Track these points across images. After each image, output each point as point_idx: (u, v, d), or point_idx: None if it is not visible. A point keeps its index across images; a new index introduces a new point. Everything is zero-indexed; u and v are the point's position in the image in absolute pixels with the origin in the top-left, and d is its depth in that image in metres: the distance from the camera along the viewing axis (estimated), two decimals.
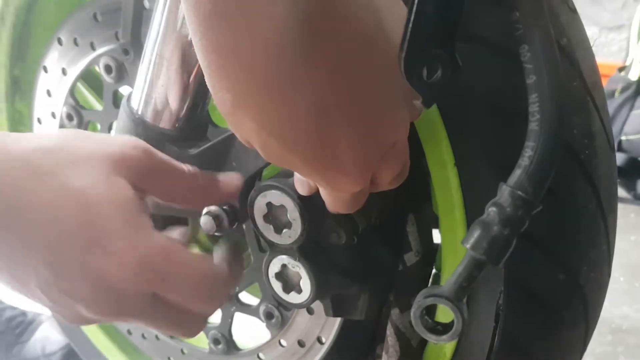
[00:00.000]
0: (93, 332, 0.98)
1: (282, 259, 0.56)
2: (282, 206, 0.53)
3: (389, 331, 0.62)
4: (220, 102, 0.37)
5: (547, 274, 0.52)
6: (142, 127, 0.56)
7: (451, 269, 0.57)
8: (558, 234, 0.51)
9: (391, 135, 0.40)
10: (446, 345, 0.60)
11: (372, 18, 0.36)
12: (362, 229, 0.57)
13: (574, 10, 0.52)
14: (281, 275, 0.56)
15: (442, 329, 0.40)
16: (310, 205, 0.52)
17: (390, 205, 0.60)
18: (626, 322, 1.44)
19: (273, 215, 0.54)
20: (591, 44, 0.54)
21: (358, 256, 0.57)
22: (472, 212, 0.53)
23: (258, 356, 0.74)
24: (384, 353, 0.63)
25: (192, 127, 0.57)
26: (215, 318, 0.78)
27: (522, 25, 0.36)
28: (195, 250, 0.62)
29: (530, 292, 0.53)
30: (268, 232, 0.55)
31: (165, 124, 0.56)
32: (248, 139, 0.39)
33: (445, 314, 0.44)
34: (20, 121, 0.94)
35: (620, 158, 2.01)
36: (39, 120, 0.87)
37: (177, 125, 0.56)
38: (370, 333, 0.66)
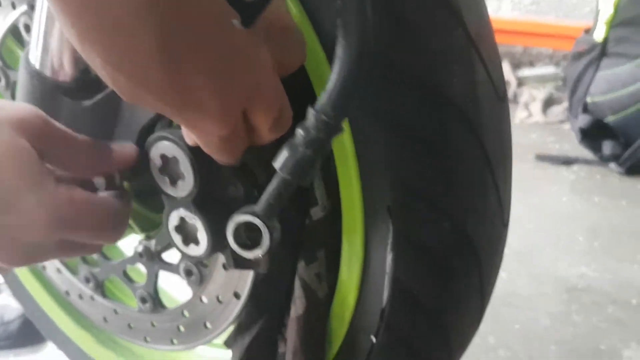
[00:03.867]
0: (42, 298, 0.99)
1: (180, 211, 0.56)
2: (175, 158, 0.53)
3: (296, 284, 0.63)
4: (70, 39, 0.37)
5: (432, 224, 0.52)
6: (37, 79, 0.55)
7: (350, 219, 0.58)
8: (440, 183, 0.51)
9: (247, 75, 0.40)
10: (349, 296, 0.61)
11: None
12: (262, 181, 0.57)
13: None
14: (180, 228, 0.57)
15: (253, 245, 0.41)
16: (202, 156, 0.52)
17: None
18: (582, 281, 1.45)
19: (169, 167, 0.54)
20: None
21: None
22: (364, 161, 0.54)
23: (182, 313, 0.75)
24: (292, 305, 0.64)
25: (90, 78, 0.56)
26: (142, 278, 0.79)
27: None
28: None
29: (417, 241, 0.53)
30: (165, 184, 0.55)
31: (60, 75, 0.55)
32: (101, 76, 0.39)
33: None
34: None
35: (585, 120, 2.01)
36: None
37: (73, 76, 0.56)
38: (284, 287, 0.67)
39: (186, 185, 0.54)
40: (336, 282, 0.63)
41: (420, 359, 0.62)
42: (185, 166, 0.53)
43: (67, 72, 0.56)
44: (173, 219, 0.57)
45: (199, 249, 0.57)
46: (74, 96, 0.56)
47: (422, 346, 0.61)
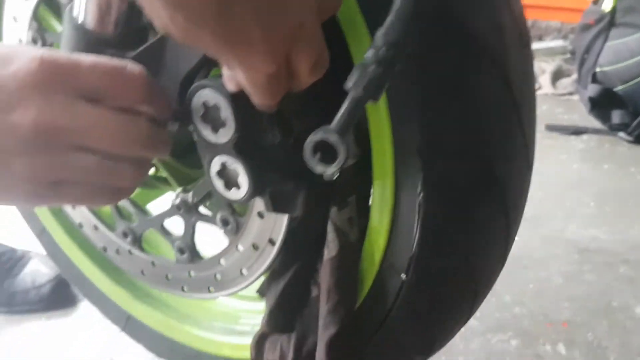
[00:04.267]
0: (77, 256, 1.03)
1: (222, 157, 0.59)
2: (216, 105, 0.56)
3: (329, 228, 0.67)
4: None
5: (461, 165, 0.56)
6: (82, 33, 0.58)
7: (380, 164, 0.62)
8: (469, 124, 0.54)
9: (294, 13, 0.43)
10: (380, 239, 0.64)
11: None
12: (298, 130, 0.61)
13: None
14: (222, 173, 0.60)
15: (330, 160, 0.44)
16: (242, 103, 0.55)
17: (329, 111, 0.63)
18: (593, 243, 1.49)
19: (210, 115, 0.58)
20: None
21: (294, 155, 0.61)
22: (395, 105, 0.57)
23: (219, 262, 0.79)
24: (325, 248, 0.67)
25: (132, 30, 0.59)
26: (179, 230, 0.83)
27: None
28: None
29: (447, 182, 0.57)
30: (207, 132, 0.58)
31: (103, 28, 0.58)
32: (157, 20, 0.41)
33: None
34: None
35: (594, 89, 2.03)
36: None
37: (116, 29, 0.59)
38: (317, 233, 0.70)
39: (227, 132, 0.57)
40: (367, 227, 0.67)
41: (448, 296, 0.66)
42: (226, 113, 0.56)
43: (110, 25, 0.59)
44: (215, 165, 0.60)
45: (240, 192, 0.60)
46: (117, 48, 0.59)
47: (449, 283, 0.64)
